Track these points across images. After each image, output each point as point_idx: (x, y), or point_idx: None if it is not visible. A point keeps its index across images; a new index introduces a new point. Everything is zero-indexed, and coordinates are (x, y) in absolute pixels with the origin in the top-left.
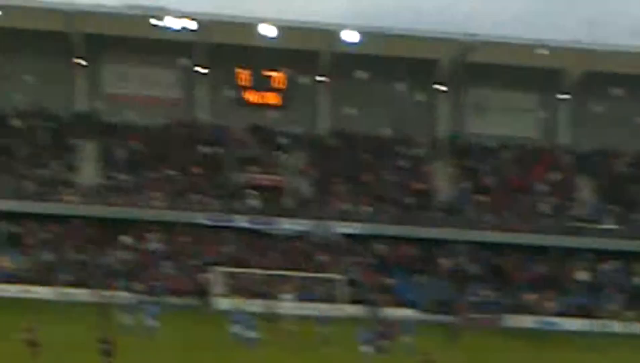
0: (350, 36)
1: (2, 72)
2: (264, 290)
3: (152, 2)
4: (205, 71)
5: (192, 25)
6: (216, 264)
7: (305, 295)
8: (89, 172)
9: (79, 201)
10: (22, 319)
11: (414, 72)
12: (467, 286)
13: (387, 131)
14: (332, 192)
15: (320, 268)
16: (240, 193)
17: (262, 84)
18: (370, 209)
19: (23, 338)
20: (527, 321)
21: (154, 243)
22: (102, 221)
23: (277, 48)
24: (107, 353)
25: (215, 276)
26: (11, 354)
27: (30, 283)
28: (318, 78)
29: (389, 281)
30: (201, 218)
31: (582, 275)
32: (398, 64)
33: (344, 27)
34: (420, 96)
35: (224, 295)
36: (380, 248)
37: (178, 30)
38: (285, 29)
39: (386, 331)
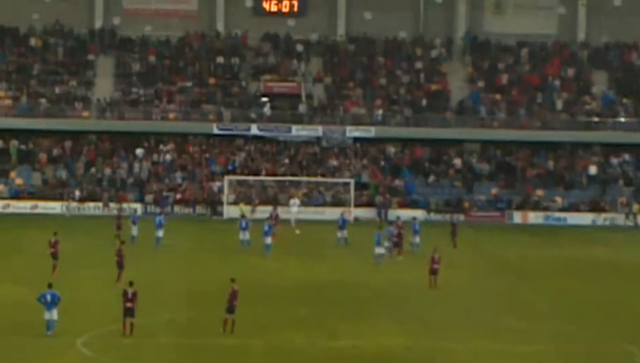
0: None
1: None
2: (275, 197)
3: None
4: None
5: None
6: (227, 173)
7: (315, 200)
8: (104, 87)
9: (94, 117)
10: (37, 234)
11: None
12: (477, 184)
13: (404, 34)
14: (346, 97)
15: (332, 172)
16: (255, 101)
17: None
18: (384, 112)
19: (48, 253)
20: (535, 217)
21: (167, 154)
22: (116, 135)
23: None
24: (120, 265)
25: (226, 185)
26: (26, 267)
27: (43, 199)
28: None
29: (400, 183)
30: (214, 128)
31: (592, 170)
32: None
33: None
34: None
35: (235, 203)
36: (392, 150)
37: None
38: None
39: (396, 232)
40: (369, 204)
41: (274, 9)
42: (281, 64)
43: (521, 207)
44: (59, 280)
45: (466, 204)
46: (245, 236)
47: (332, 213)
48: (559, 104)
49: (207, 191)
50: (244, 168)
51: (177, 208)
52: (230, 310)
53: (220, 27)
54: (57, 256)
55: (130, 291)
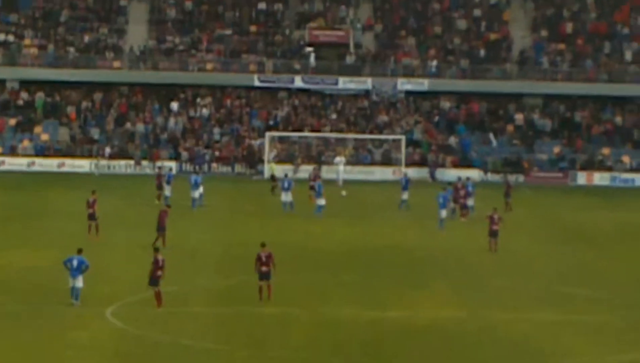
0: None
1: None
2: (320, 155)
3: None
4: None
5: None
6: (269, 129)
7: (364, 158)
8: (137, 35)
9: (126, 67)
10: (65, 195)
11: None
12: (538, 142)
13: None
14: (398, 47)
15: (381, 129)
16: (300, 51)
17: None
18: (439, 63)
19: (88, 213)
20: (601, 178)
21: (204, 108)
22: (150, 87)
23: None
24: (161, 229)
25: (267, 142)
26: (55, 230)
27: (70, 156)
28: None
29: (454, 140)
30: (255, 80)
31: None
32: None
33: None
34: None
35: (276, 162)
36: (447, 105)
37: None
38: None
39: (462, 193)
40: (422, 163)
41: None
42: (328, 11)
43: (586, 167)
44: (90, 243)
45: (526, 164)
46: (287, 197)
47: (381, 173)
48: (628, 55)
49: (247, 149)
50: (287, 123)
51: (214, 167)
52: (263, 276)
53: None
54: (95, 217)
55: (159, 258)
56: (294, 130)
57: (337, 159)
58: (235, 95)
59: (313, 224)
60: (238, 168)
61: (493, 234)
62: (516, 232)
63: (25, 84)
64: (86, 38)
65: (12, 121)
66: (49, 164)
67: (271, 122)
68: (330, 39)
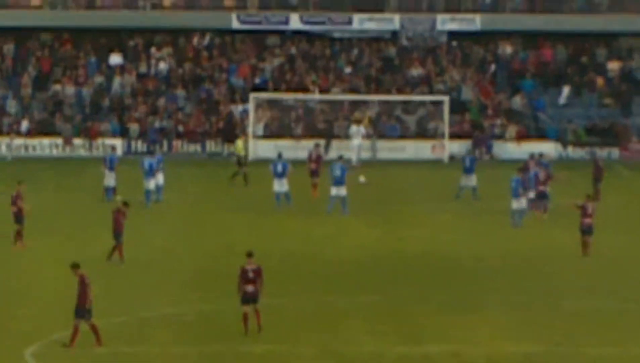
0: None
1: None
2: (326, 125)
3: None
4: None
5: None
6: (254, 90)
7: (391, 129)
8: None
9: (48, 5)
10: None
11: None
12: (638, 102)
13: None
14: None
15: (415, 86)
16: None
17: None
18: None
19: (13, 212)
20: None
21: (161, 62)
22: (83, 34)
23: None
24: (117, 236)
25: (252, 108)
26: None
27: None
28: None
29: (519, 101)
30: (234, 21)
31: None
32: None
33: None
34: None
35: (264, 136)
36: (508, 51)
37: None
38: None
39: (543, 177)
40: (472, 134)
41: None
42: None
43: None
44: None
45: (622, 133)
46: (282, 186)
47: (415, 149)
48: None
49: (224, 119)
50: (280, 81)
51: (177, 145)
52: (249, 298)
53: None
54: (22, 218)
55: (80, 274)
56: (289, 91)
57: (353, 129)
58: (206, 43)
59: (319, 225)
60: (211, 146)
61: (587, 230)
62: (608, 229)
63: None
64: None
65: None
66: None
67: (257, 81)
68: None
